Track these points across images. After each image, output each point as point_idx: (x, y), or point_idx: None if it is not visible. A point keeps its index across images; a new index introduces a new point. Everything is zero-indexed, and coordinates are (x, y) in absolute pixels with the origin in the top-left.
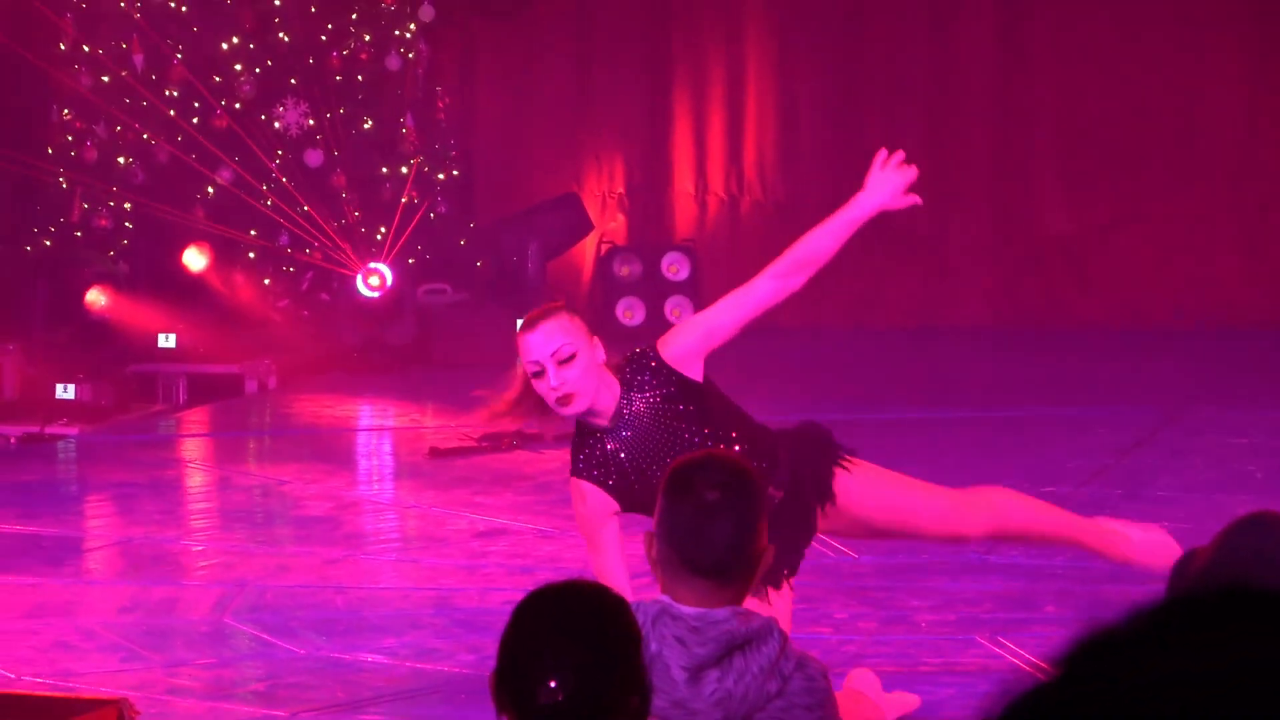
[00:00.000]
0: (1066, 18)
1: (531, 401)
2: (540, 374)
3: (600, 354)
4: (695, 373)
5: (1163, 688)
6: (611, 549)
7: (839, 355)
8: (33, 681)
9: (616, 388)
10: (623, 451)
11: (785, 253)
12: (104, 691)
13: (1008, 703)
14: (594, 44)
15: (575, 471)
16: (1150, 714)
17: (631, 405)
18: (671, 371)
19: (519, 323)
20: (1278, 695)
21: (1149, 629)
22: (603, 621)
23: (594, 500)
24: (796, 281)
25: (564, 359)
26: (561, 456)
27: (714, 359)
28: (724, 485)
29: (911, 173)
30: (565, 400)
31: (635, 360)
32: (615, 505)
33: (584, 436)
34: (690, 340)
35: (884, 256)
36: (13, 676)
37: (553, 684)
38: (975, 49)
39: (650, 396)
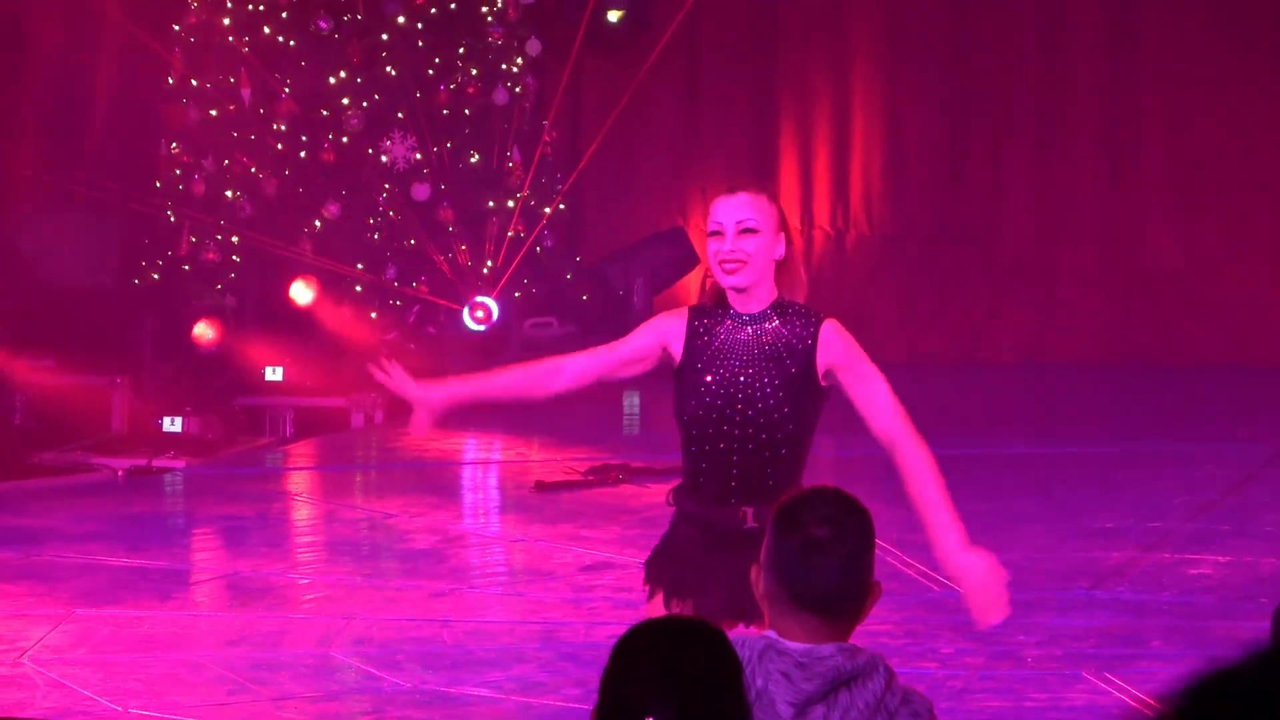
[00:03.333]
0: (1175, 49)
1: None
2: (718, 234)
3: (781, 250)
4: (820, 372)
5: None
6: (625, 348)
7: (945, 387)
8: (140, 715)
9: (771, 297)
10: (726, 339)
11: (907, 433)
12: None
13: None
14: (701, 78)
15: (691, 306)
16: None
17: (768, 320)
18: (814, 343)
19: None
20: None
21: (1263, 673)
22: (704, 657)
23: (672, 328)
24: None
25: (745, 229)
26: (668, 491)
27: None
28: (832, 520)
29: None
30: (728, 265)
31: (805, 308)
32: (676, 351)
33: (713, 306)
34: (846, 354)
35: (992, 288)
36: (119, 710)
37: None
38: (1082, 81)
39: (786, 333)
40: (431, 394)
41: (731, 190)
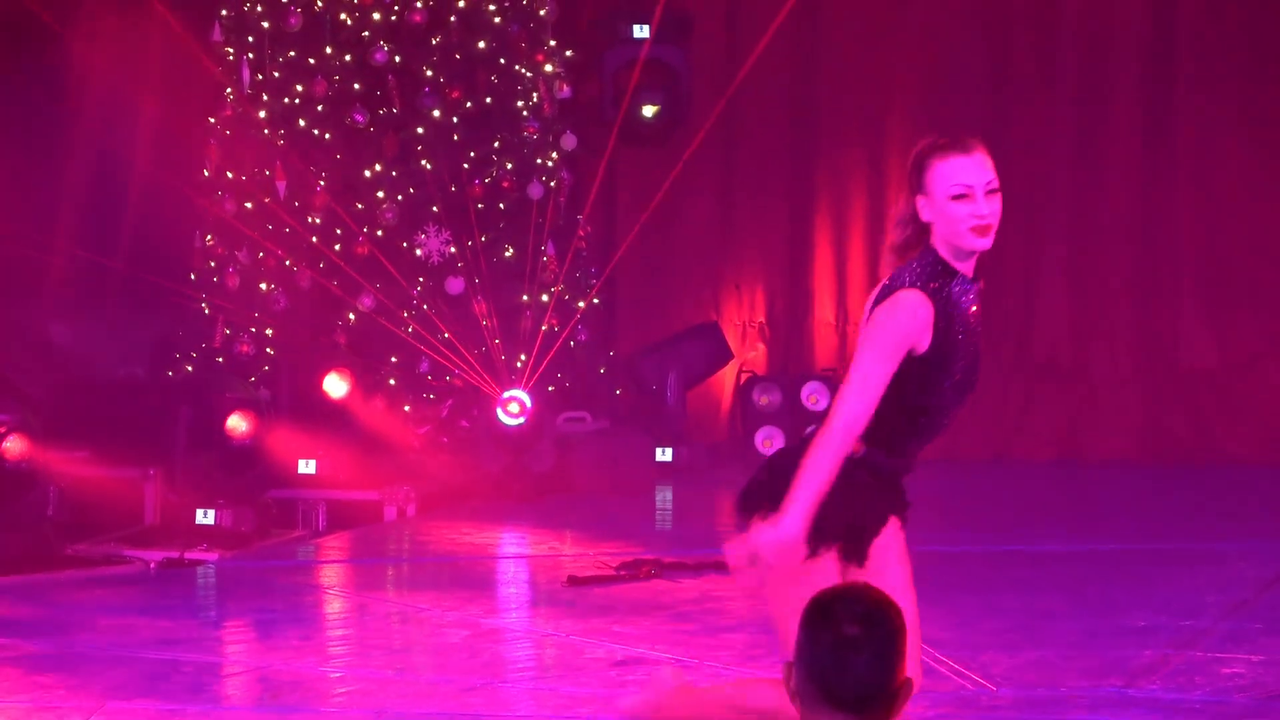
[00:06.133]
0: (1208, 146)
1: (915, 229)
2: (964, 197)
3: None
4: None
5: None
6: (886, 378)
7: (980, 485)
8: None
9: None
10: (962, 316)
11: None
12: None
13: None
14: (736, 172)
15: (920, 287)
16: None
17: (978, 283)
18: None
19: (930, 151)
20: None
21: None
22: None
23: (923, 319)
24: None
25: (992, 190)
26: (699, 586)
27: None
28: (864, 618)
29: None
30: (984, 230)
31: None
32: (922, 344)
33: (943, 274)
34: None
35: (1026, 386)
36: None
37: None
38: (1115, 179)
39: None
40: (787, 529)
41: (962, 147)
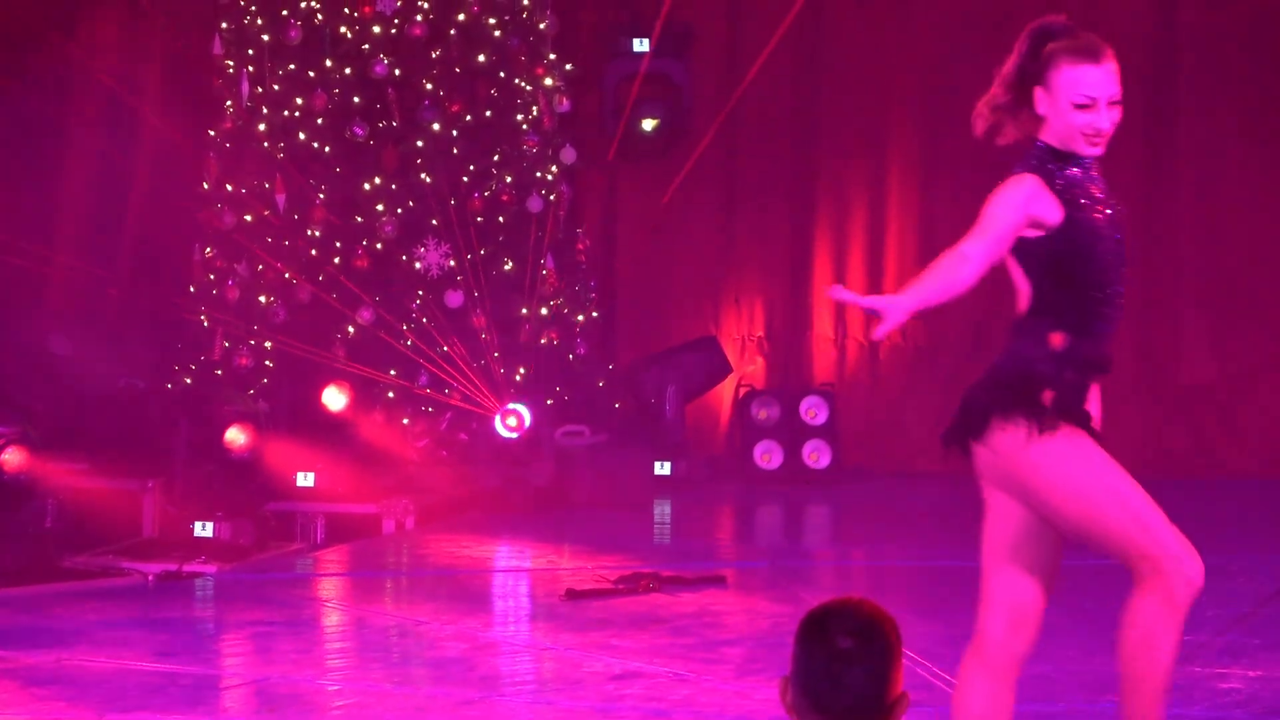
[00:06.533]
0: (1209, 161)
1: (1016, 96)
2: (1088, 107)
3: None
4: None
5: None
6: (1003, 228)
7: (979, 499)
8: None
9: None
10: (1085, 180)
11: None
12: None
13: None
14: (736, 188)
15: (1031, 170)
16: None
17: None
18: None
19: (1059, 51)
20: None
21: None
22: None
23: (1030, 187)
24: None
25: (1114, 103)
26: (698, 600)
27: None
28: (858, 633)
29: None
30: (1098, 141)
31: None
32: (1049, 210)
33: (1056, 159)
34: None
35: None
36: None
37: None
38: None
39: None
40: (899, 301)
41: (1093, 55)
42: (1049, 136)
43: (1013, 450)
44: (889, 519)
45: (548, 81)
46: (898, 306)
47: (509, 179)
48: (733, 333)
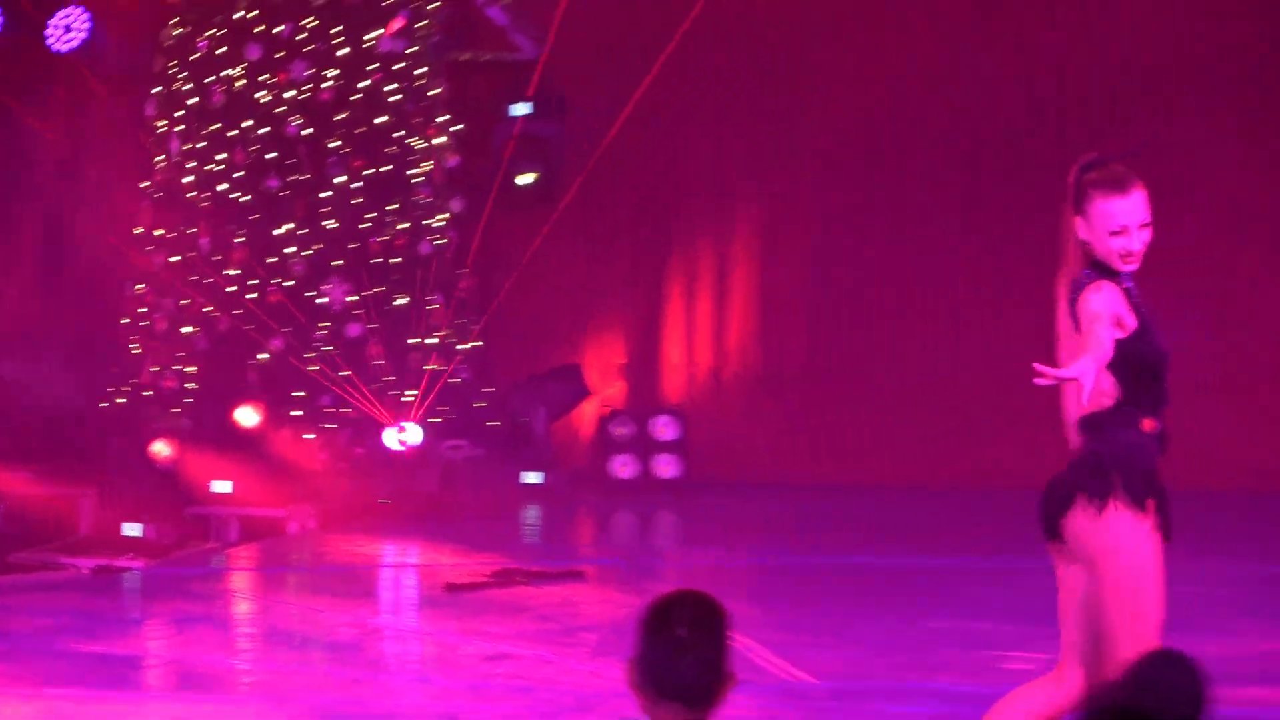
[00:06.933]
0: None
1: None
2: (1121, 233)
3: None
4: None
5: None
6: (1111, 340)
7: (807, 506)
8: None
9: None
10: (1138, 300)
11: None
12: None
13: None
14: (600, 234)
15: (1101, 279)
16: None
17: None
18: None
19: (1090, 185)
20: None
21: None
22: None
23: (1112, 294)
24: None
25: (1145, 225)
26: (560, 591)
27: None
28: (694, 623)
29: None
30: (1131, 260)
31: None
32: (1129, 319)
33: (1109, 274)
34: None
35: (858, 419)
36: None
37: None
38: (937, 237)
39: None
40: (1088, 368)
41: (1124, 189)
42: (1096, 254)
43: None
44: (728, 523)
45: (439, 141)
46: (1087, 372)
47: (403, 226)
48: (594, 360)
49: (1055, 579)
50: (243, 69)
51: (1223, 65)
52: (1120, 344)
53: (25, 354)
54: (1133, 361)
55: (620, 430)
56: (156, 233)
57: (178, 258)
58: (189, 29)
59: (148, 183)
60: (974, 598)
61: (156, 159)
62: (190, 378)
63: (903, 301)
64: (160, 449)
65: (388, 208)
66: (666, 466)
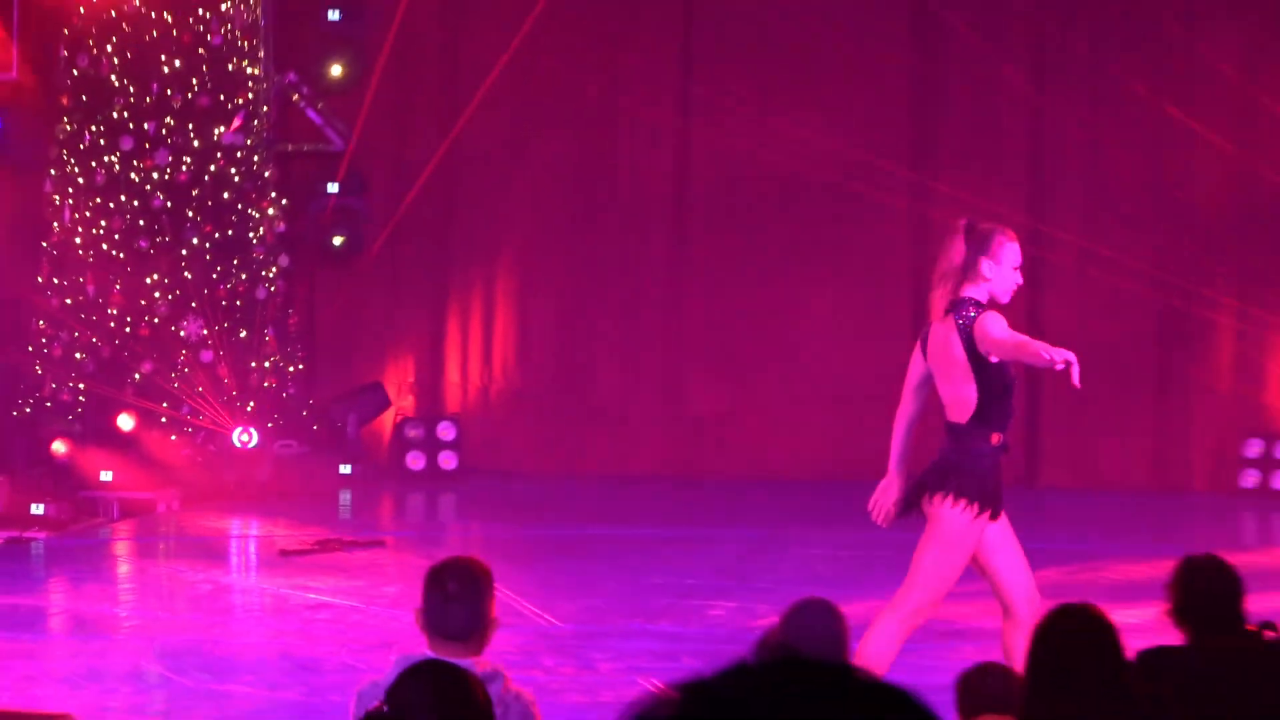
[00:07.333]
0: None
1: (964, 275)
2: (1018, 269)
3: None
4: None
5: None
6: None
7: (539, 493)
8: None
9: None
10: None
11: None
12: (54, 709)
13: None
14: (396, 282)
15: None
16: None
17: None
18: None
19: (998, 232)
20: None
21: (732, 684)
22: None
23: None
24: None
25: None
26: (368, 556)
27: None
28: (461, 578)
29: None
30: (1015, 291)
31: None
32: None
33: (987, 308)
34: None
35: (584, 424)
36: None
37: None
38: (652, 269)
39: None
40: (893, 481)
41: (1016, 237)
42: (979, 294)
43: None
44: (495, 504)
45: (270, 211)
46: (894, 484)
47: (244, 276)
48: (393, 378)
49: (744, 547)
50: (118, 155)
51: None
52: (990, 366)
53: None
54: (995, 382)
55: (413, 432)
56: (54, 281)
57: (70, 300)
58: (76, 125)
59: (46, 243)
60: (683, 560)
61: (53, 224)
62: (81, 392)
63: (626, 329)
64: (59, 447)
65: (232, 262)
66: (448, 460)
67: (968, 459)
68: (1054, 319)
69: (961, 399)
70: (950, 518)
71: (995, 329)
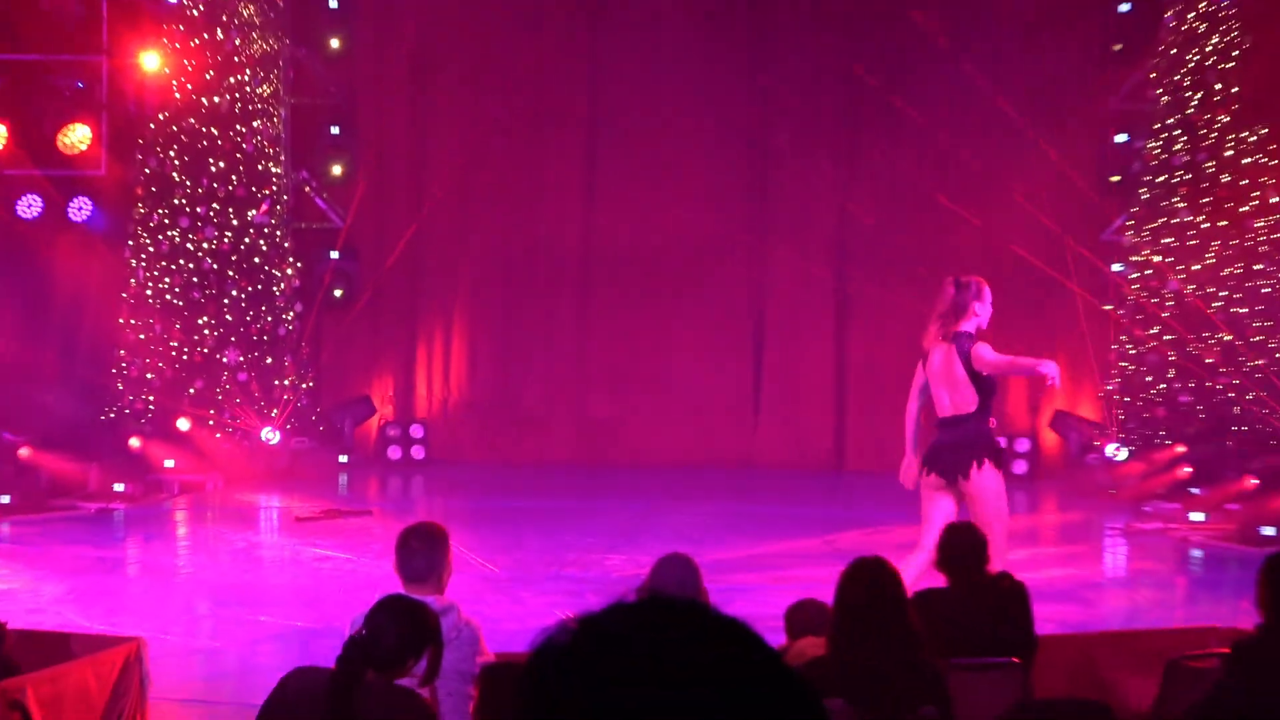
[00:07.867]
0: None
1: (956, 313)
2: (991, 305)
3: None
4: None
5: (611, 660)
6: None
7: (501, 475)
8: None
9: None
10: None
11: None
12: (129, 634)
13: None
14: (381, 323)
15: (979, 338)
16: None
17: None
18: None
19: (982, 282)
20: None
21: (612, 615)
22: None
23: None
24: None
25: None
26: (361, 522)
27: None
28: (420, 536)
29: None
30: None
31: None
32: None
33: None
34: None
35: (541, 423)
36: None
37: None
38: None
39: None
40: (912, 458)
41: (988, 284)
42: (970, 327)
43: (982, 478)
44: (454, 484)
45: (288, 271)
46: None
47: (269, 318)
48: (378, 391)
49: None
50: (178, 231)
51: None
52: (983, 378)
53: (62, 395)
54: (987, 387)
55: (392, 432)
56: (131, 322)
57: (143, 336)
58: (147, 209)
59: (125, 294)
60: (587, 525)
61: (130, 280)
62: (150, 403)
63: (546, 356)
64: (134, 442)
65: (261, 309)
66: (418, 452)
67: (981, 437)
68: (855, 341)
69: (967, 400)
70: (985, 480)
71: (989, 355)
